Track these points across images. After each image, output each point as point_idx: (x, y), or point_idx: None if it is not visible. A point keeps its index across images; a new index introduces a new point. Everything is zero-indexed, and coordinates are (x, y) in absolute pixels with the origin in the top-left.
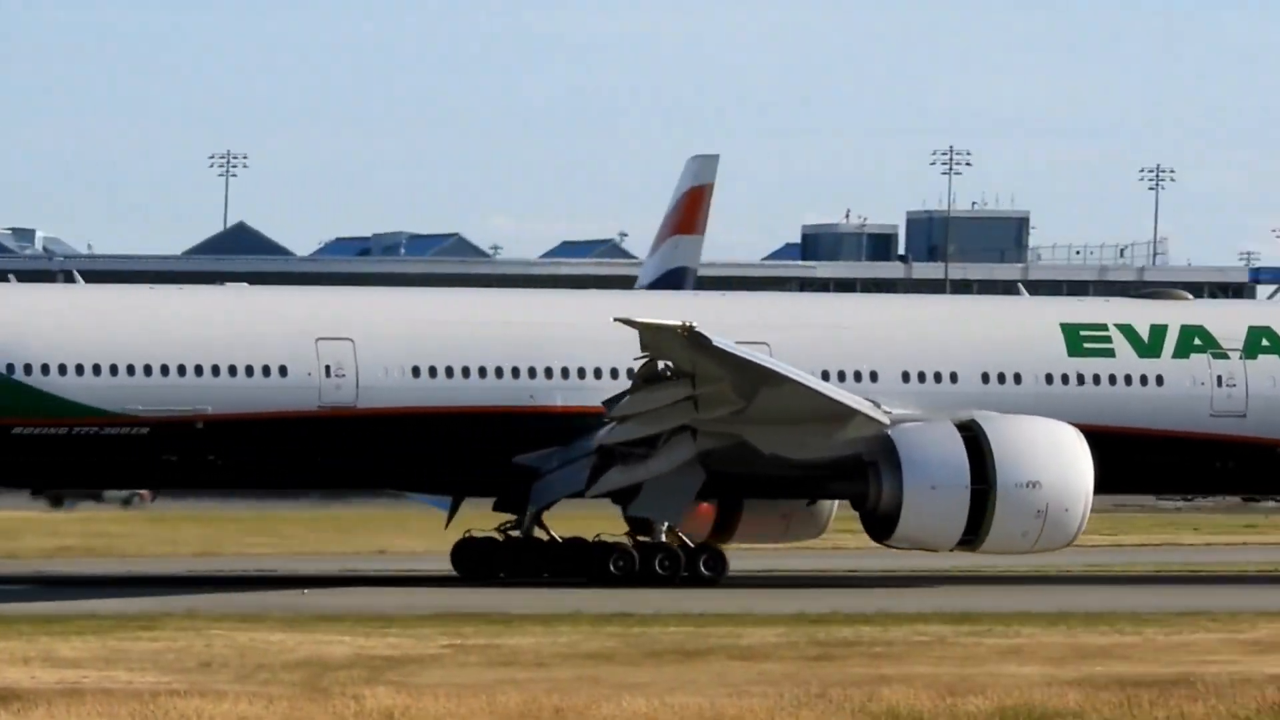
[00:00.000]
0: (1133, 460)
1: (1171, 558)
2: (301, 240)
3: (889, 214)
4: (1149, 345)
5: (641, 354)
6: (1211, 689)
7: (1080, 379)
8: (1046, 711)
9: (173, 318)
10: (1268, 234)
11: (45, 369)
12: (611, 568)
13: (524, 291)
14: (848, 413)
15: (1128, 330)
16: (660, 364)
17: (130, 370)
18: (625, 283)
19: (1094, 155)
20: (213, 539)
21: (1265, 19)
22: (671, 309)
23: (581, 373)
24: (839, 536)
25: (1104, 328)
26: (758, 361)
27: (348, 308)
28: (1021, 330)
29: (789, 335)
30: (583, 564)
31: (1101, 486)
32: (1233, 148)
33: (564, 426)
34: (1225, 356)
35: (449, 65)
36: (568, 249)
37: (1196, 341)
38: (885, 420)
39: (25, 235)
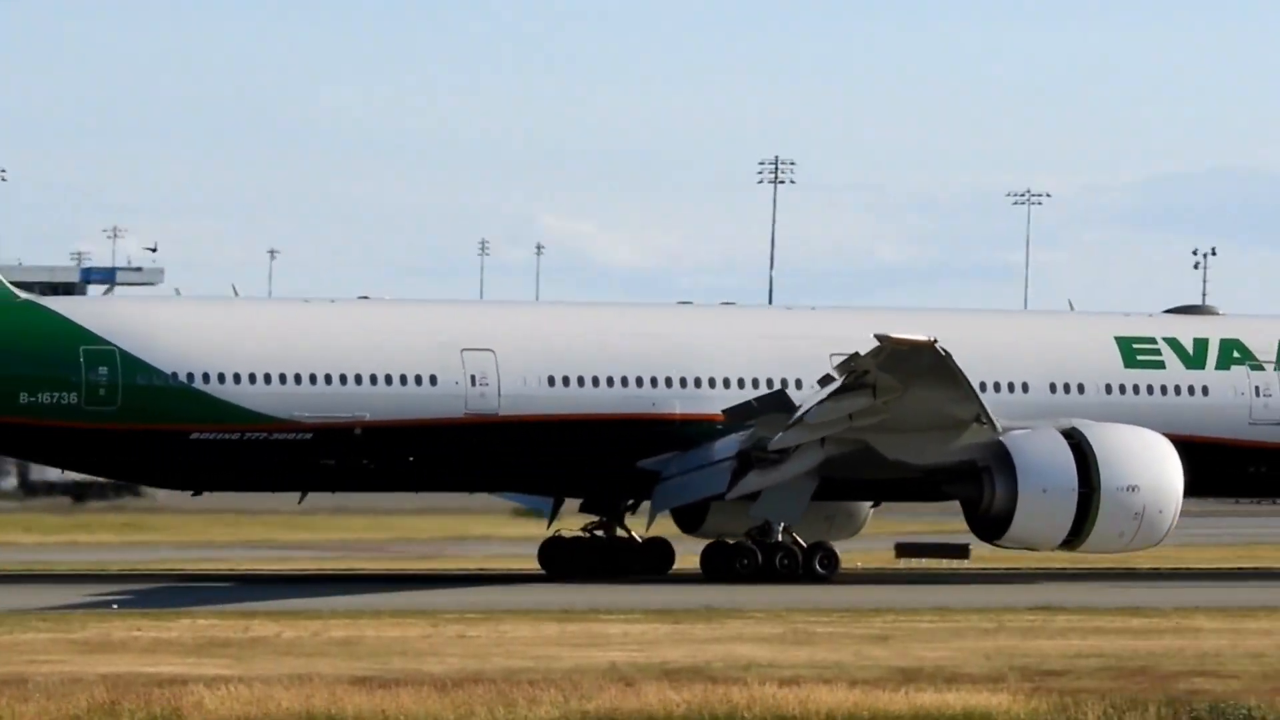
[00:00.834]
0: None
1: None
2: None
3: None
4: (1194, 357)
5: (843, 366)
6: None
7: (1135, 389)
8: None
9: (332, 330)
10: (99, 234)
11: (221, 378)
12: (737, 566)
13: (647, 306)
14: (981, 421)
15: (1174, 343)
16: (849, 375)
17: (297, 379)
18: None
19: None
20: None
21: None
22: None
23: (698, 383)
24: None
25: (1153, 341)
26: (967, 379)
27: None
28: (1081, 343)
29: None
30: (665, 562)
31: None
32: (66, 147)
33: (681, 433)
34: (1261, 368)
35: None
36: None
37: (1235, 354)
38: (998, 428)
39: None
